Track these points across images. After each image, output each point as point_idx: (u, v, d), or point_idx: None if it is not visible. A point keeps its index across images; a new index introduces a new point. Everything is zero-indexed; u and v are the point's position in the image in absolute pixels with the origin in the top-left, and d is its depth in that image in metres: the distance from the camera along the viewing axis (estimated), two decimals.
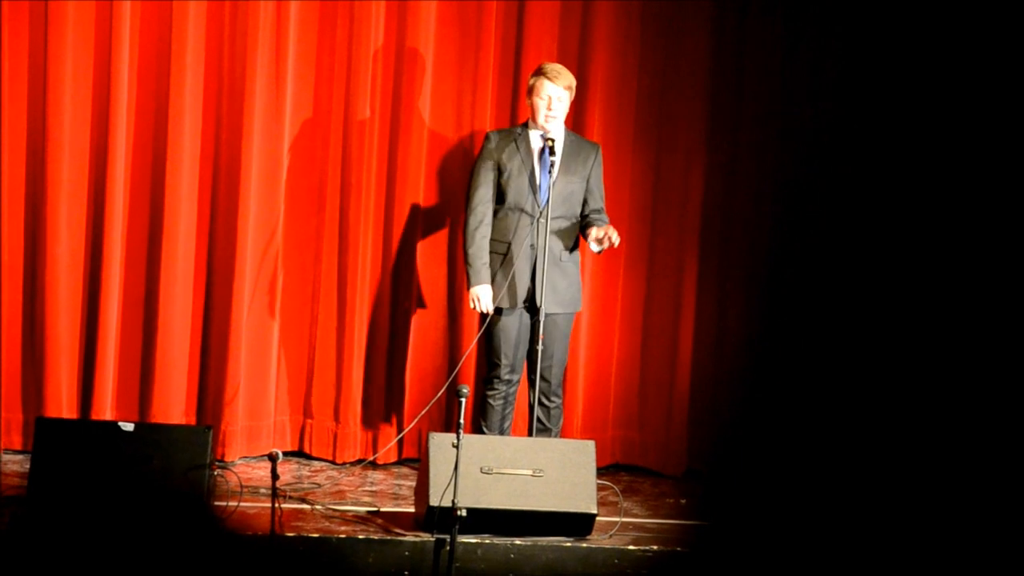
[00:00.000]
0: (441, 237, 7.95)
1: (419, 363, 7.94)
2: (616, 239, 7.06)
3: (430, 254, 7.95)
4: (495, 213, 7.22)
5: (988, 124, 7.92)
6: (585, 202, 7.27)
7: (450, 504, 6.30)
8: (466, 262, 7.20)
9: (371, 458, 7.87)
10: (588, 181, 7.27)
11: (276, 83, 7.71)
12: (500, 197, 7.23)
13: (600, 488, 6.72)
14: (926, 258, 7.99)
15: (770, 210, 8.09)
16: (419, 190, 7.89)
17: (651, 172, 8.09)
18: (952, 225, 7.96)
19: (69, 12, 7.45)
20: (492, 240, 7.20)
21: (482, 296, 7.16)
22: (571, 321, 7.35)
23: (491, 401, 7.26)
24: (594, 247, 7.17)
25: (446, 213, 7.93)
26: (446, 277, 7.95)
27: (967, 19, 7.89)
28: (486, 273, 7.17)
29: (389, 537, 6.51)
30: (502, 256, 7.19)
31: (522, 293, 7.17)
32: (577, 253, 7.29)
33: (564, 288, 7.22)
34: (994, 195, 7.92)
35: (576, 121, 7.84)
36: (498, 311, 7.17)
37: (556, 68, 7.19)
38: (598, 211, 7.28)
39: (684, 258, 8.07)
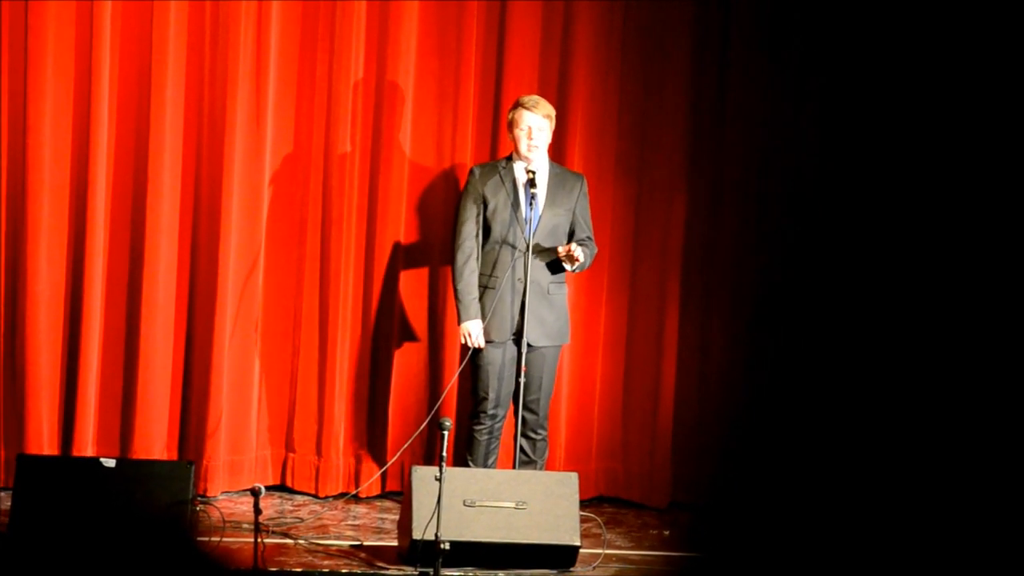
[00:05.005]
0: (422, 269, 7.94)
1: (401, 396, 7.93)
2: (578, 254, 7.04)
3: (412, 287, 7.94)
4: (481, 247, 7.22)
5: (973, 152, 7.95)
6: (572, 233, 7.28)
7: (433, 537, 6.29)
8: (456, 298, 7.20)
9: (354, 492, 7.85)
10: (574, 212, 7.28)
11: (256, 117, 7.71)
12: (486, 231, 7.23)
13: (583, 520, 6.72)
14: (908, 287, 8.01)
15: (752, 239, 8.10)
16: (400, 223, 7.89)
17: (632, 203, 8.08)
18: (936, 250, 7.98)
19: (48, 60, 7.47)
20: (479, 274, 7.20)
21: (473, 331, 7.16)
22: (558, 354, 7.35)
23: (476, 435, 7.25)
24: (567, 266, 7.16)
25: (427, 245, 7.93)
26: (427, 310, 7.94)
27: (955, 48, 7.92)
28: (476, 308, 7.17)
29: (372, 571, 6.50)
30: (489, 290, 7.19)
31: (509, 327, 7.16)
32: (565, 286, 7.29)
33: (552, 321, 7.22)
34: (981, 221, 7.95)
35: (557, 152, 7.84)
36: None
37: (534, 99, 7.22)
38: (583, 240, 7.28)
39: (666, 289, 8.07)
